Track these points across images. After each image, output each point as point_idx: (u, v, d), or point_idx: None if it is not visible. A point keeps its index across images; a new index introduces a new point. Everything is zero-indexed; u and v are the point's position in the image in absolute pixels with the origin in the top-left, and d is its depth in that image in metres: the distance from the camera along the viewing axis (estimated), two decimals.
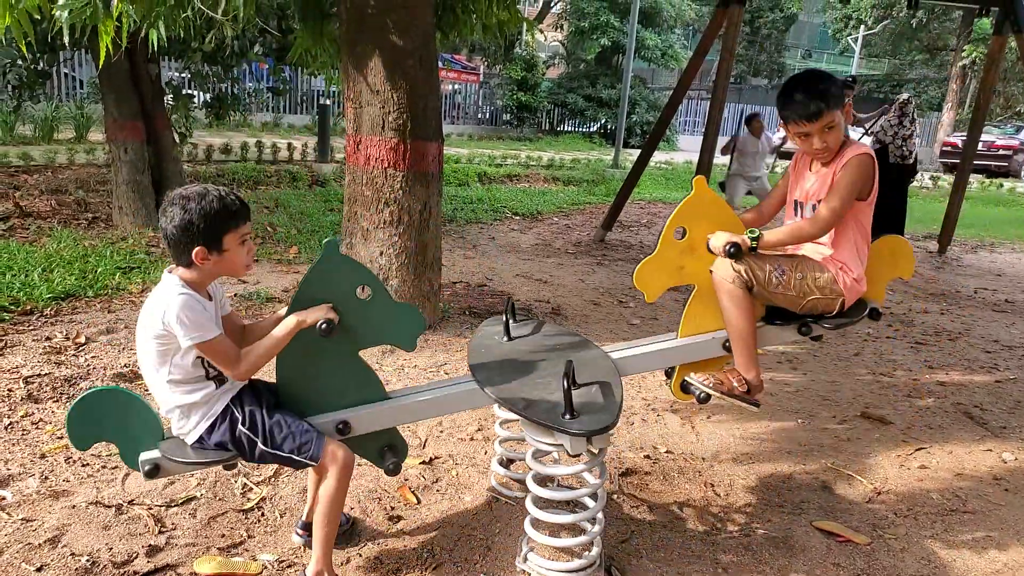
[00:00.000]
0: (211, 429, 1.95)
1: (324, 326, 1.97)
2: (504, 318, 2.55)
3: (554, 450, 2.09)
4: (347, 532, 2.33)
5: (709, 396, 2.43)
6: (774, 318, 2.52)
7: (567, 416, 1.90)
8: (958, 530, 2.66)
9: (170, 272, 1.92)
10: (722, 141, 7.95)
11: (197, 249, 1.86)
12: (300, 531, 2.28)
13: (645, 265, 2.46)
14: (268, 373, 2.09)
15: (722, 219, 2.46)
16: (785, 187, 2.64)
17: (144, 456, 1.96)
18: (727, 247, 2.34)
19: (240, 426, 1.96)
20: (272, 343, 1.97)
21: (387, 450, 2.21)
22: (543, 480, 2.22)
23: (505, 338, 2.48)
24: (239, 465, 2.24)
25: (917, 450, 3.29)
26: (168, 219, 1.87)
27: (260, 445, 1.96)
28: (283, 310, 2.07)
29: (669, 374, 2.59)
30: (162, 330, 1.84)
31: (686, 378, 2.47)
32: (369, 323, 2.08)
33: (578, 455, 1.96)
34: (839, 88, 2.35)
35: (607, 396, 2.05)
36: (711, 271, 2.43)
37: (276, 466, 2.68)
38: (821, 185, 2.46)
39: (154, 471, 1.96)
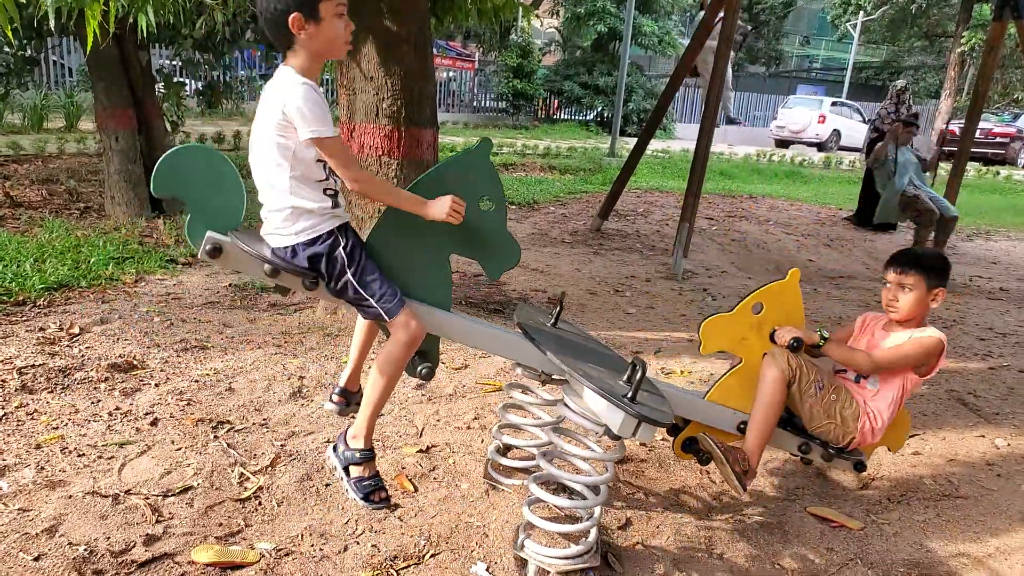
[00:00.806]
0: (312, 242, 1.96)
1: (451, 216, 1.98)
2: (557, 308, 2.54)
3: (591, 427, 2.11)
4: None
5: (711, 461, 2.47)
6: (785, 425, 2.55)
7: (628, 398, 1.94)
8: (950, 515, 2.68)
9: (284, 64, 1.91)
10: (737, 131, 7.85)
11: (293, 15, 1.83)
12: (336, 397, 2.31)
13: (718, 319, 2.48)
14: None
15: (795, 317, 2.54)
16: (851, 334, 2.74)
17: (212, 235, 1.94)
18: (792, 341, 2.43)
19: (341, 249, 1.96)
20: (395, 194, 2.01)
21: (421, 356, 2.21)
22: (553, 459, 2.25)
23: (551, 323, 2.50)
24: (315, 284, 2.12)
25: (911, 436, 3.31)
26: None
27: (350, 274, 1.97)
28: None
29: (673, 431, 2.59)
30: (283, 119, 1.84)
31: (701, 434, 2.47)
32: (475, 234, 2.11)
33: (618, 439, 1.99)
34: (943, 273, 2.50)
35: (662, 402, 2.10)
36: (766, 353, 2.48)
37: (274, 455, 2.69)
38: (886, 344, 2.57)
39: (215, 252, 1.95)
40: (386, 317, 1.99)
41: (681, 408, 2.46)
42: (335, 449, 2.16)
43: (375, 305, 1.99)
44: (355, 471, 2.13)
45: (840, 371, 2.66)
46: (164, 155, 1.91)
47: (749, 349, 2.51)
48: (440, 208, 2.00)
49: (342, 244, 1.98)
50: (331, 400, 2.34)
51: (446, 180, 2.05)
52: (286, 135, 1.87)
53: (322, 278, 2.01)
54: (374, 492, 2.14)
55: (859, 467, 2.62)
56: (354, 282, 1.98)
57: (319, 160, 1.93)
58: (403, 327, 2.00)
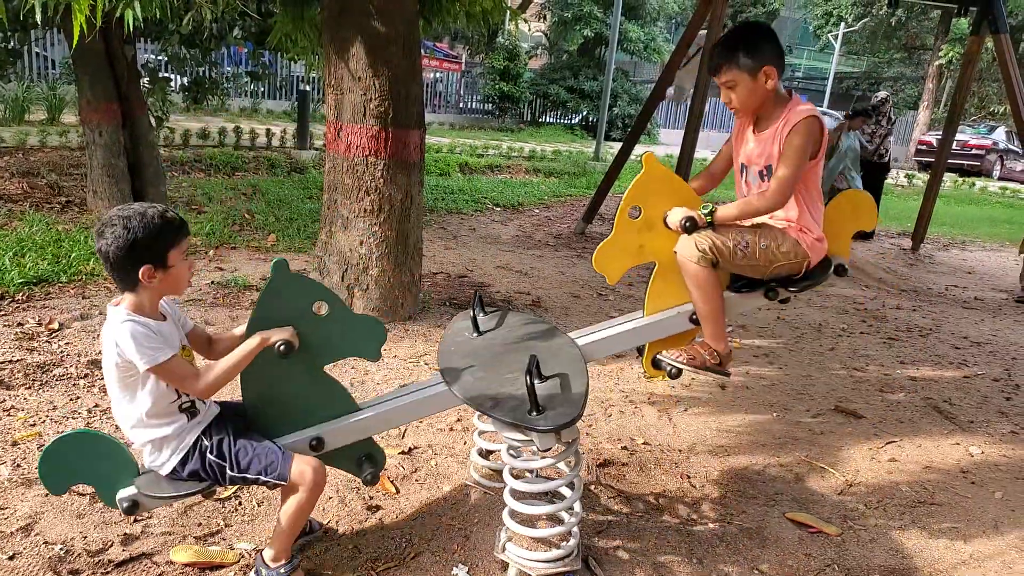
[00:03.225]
0: (184, 461, 1.95)
1: (282, 348, 1.95)
2: (472, 313, 2.54)
3: (528, 444, 2.10)
4: (310, 537, 2.30)
5: (680, 371, 2.44)
6: (739, 286, 2.51)
7: (533, 413, 1.91)
8: (926, 522, 2.73)
9: (114, 305, 1.89)
10: (715, 137, 8.23)
11: (144, 268, 1.82)
12: None
13: (603, 248, 2.45)
14: (236, 393, 2.07)
15: (677, 193, 2.44)
16: (731, 148, 2.62)
17: (122, 494, 1.95)
18: (683, 222, 2.34)
19: (209, 455, 1.95)
20: (232, 363, 1.95)
21: (364, 460, 2.20)
22: (519, 473, 2.24)
23: (475, 334, 2.48)
24: (216, 491, 2.20)
25: (888, 443, 3.36)
26: (110, 240, 1.79)
27: (229, 471, 1.96)
28: (240, 329, 2.05)
29: (640, 351, 2.60)
30: (123, 362, 1.83)
31: (657, 355, 2.47)
32: (330, 339, 2.06)
33: (548, 449, 1.97)
34: (755, 48, 2.30)
35: (572, 387, 2.06)
36: (675, 251, 2.41)
37: None
38: (763, 149, 2.42)
39: (133, 507, 1.96)
40: (283, 483, 1.98)
41: (627, 340, 2.45)
42: (257, 574, 2.08)
43: (268, 479, 1.98)
44: None
45: None
46: (40, 460, 1.92)
47: (653, 251, 2.46)
48: (276, 332, 1.98)
49: (209, 449, 1.96)
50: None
51: (270, 315, 2.01)
52: (129, 373, 1.86)
53: (217, 482, 1.99)
54: None
55: (839, 271, 2.55)
56: (237, 475, 1.97)
57: (165, 385, 1.91)
58: (300, 480, 1.98)
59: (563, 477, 2.18)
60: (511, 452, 2.29)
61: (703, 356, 2.37)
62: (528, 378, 1.92)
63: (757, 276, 2.46)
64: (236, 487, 2.06)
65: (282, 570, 2.04)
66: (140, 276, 1.83)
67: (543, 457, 2.11)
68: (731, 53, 2.33)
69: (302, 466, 1.98)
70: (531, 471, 2.39)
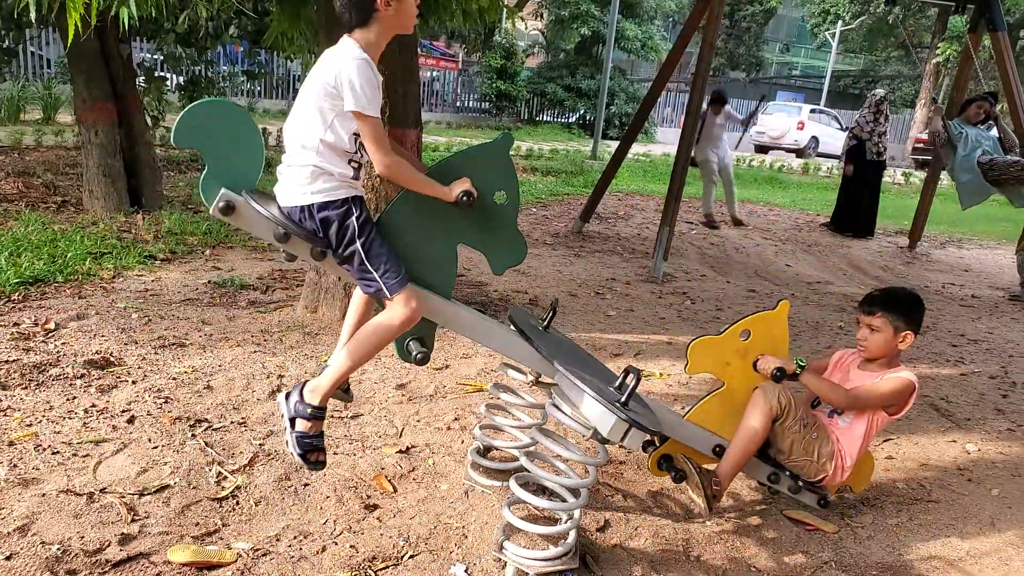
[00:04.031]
0: (326, 205, 1.97)
1: (464, 198, 2.02)
2: (545, 315, 2.55)
3: (578, 430, 2.13)
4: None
5: (685, 479, 2.48)
6: (758, 453, 2.57)
7: (619, 402, 1.97)
8: (923, 519, 2.73)
9: (348, 36, 1.95)
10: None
11: None
12: None
13: (704, 341, 2.51)
14: None
15: (780, 346, 2.58)
16: (825, 367, 2.78)
17: (226, 192, 1.95)
18: (775, 372, 2.46)
19: (354, 218, 1.98)
20: (418, 179, 2.03)
21: (421, 341, 2.22)
22: (535, 461, 2.26)
23: (543, 327, 2.51)
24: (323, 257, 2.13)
25: (885, 441, 3.36)
26: None
27: (358, 244, 1.98)
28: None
29: (647, 446, 2.59)
30: (332, 87, 1.89)
31: (679, 455, 2.49)
32: (487, 226, 2.13)
33: (606, 442, 2.02)
34: (911, 312, 2.54)
35: (649, 411, 2.14)
36: (758, 387, 2.50)
37: (252, 454, 2.67)
38: (858, 381, 2.59)
39: (228, 209, 1.95)
40: (387, 293, 2.00)
41: (662, 425, 2.47)
42: (287, 397, 2.12)
43: (378, 279, 2.00)
44: (300, 425, 2.09)
45: (815, 405, 2.70)
46: (190, 106, 1.94)
47: (732, 375, 2.54)
48: (461, 186, 2.05)
49: (355, 214, 2.00)
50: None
51: (464, 168, 2.09)
52: (331, 102, 1.91)
53: (329, 245, 2.02)
54: (313, 452, 2.11)
55: (823, 503, 2.67)
56: (362, 252, 1.99)
57: (354, 133, 1.97)
58: (402, 304, 2.01)
59: (582, 479, 2.20)
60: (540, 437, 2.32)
61: (710, 481, 2.39)
62: (634, 376, 1.99)
63: (783, 454, 2.55)
64: (345, 265, 2.07)
65: (309, 411, 2.05)
66: (378, 3, 1.90)
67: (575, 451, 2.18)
68: (892, 305, 2.55)
69: (412, 294, 2.02)
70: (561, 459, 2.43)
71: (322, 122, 1.94)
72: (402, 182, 2.05)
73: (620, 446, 2.11)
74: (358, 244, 1.98)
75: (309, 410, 2.06)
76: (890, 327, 2.52)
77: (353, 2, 1.93)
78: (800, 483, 2.60)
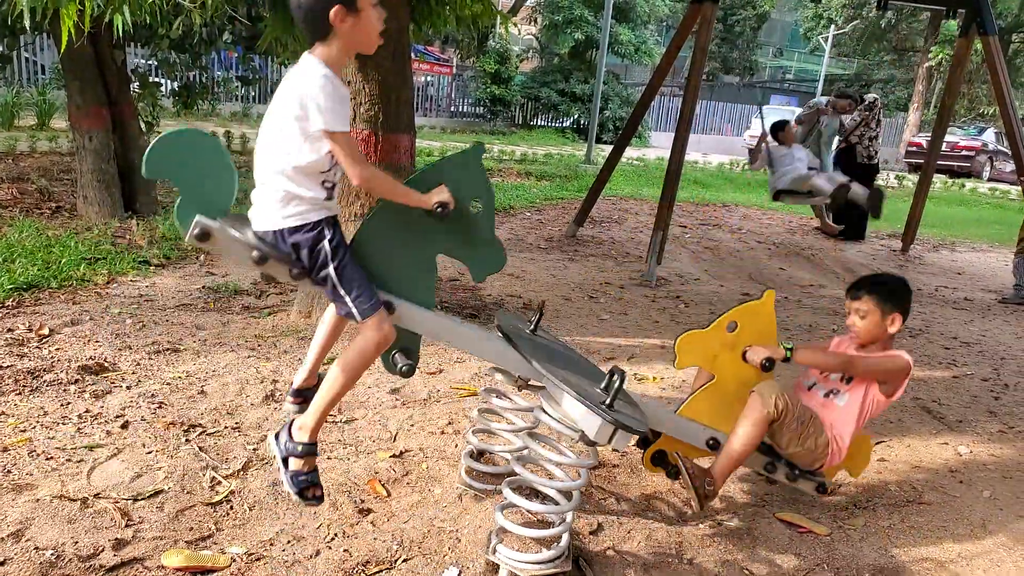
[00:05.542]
0: (297, 229, 1.96)
1: (440, 210, 2.03)
2: (533, 317, 2.56)
3: (567, 432, 2.14)
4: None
5: (679, 476, 2.49)
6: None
7: (605, 404, 1.98)
8: (915, 521, 2.75)
9: (309, 53, 1.92)
10: (712, 140, 8.10)
11: (335, 8, 1.83)
12: (292, 399, 2.29)
13: (691, 335, 2.52)
14: None
15: (768, 336, 2.58)
16: (824, 349, 2.79)
17: (201, 219, 1.94)
18: (764, 361, 2.47)
19: (326, 241, 1.97)
20: (395, 188, 2.04)
21: (407, 352, 2.24)
22: (527, 464, 2.28)
23: (531, 330, 2.52)
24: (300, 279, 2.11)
25: (877, 443, 3.38)
26: None
27: (331, 268, 1.97)
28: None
29: (643, 444, 2.61)
30: (298, 108, 1.85)
31: (674, 453, 2.50)
32: (464, 235, 2.14)
33: (594, 444, 2.03)
34: (897, 296, 2.58)
35: (636, 411, 2.15)
36: (754, 391, 2.49)
37: (246, 459, 2.67)
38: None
39: (204, 236, 1.94)
40: (359, 317, 2.00)
41: (653, 421, 2.48)
42: (276, 437, 2.12)
43: (349, 303, 1.99)
44: (294, 464, 2.08)
45: (810, 386, 2.72)
46: (159, 137, 1.93)
47: (721, 367, 2.55)
48: (439, 196, 2.05)
49: (327, 237, 1.98)
50: (288, 402, 2.32)
51: (439, 179, 2.11)
52: (300, 124, 1.88)
53: (303, 268, 2.01)
54: (309, 488, 2.10)
55: (821, 489, 2.69)
56: (334, 277, 1.98)
57: (328, 152, 1.94)
58: (374, 328, 2.00)
59: (572, 482, 2.22)
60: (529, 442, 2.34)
61: (704, 479, 2.40)
62: (615, 378, 2.01)
63: (780, 447, 2.56)
64: (318, 287, 2.06)
65: (300, 448, 2.03)
66: (331, 17, 1.84)
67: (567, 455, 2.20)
68: (877, 288, 2.58)
69: (383, 319, 2.02)
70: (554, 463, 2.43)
71: (291, 146, 1.91)
72: (379, 192, 2.04)
73: (611, 448, 2.12)
74: (331, 268, 1.97)
75: (300, 447, 2.05)
76: (877, 310, 2.55)
77: (307, 17, 1.90)
78: (797, 471, 2.61)
